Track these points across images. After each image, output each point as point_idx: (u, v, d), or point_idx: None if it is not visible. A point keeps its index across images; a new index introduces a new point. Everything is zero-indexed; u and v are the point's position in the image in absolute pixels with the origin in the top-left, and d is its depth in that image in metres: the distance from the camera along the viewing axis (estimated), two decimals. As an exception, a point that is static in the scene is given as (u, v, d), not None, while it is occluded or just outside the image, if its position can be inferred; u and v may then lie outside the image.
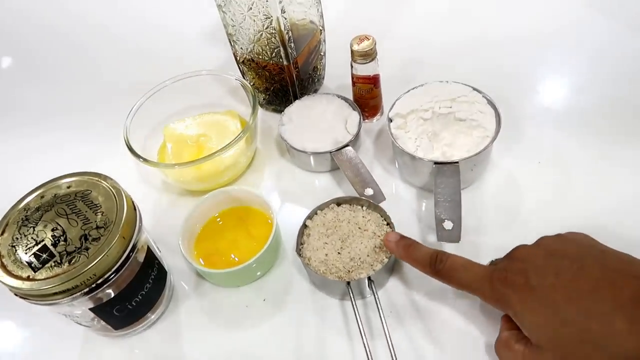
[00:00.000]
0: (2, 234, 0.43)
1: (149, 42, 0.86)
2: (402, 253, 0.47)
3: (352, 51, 0.59)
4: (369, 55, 0.58)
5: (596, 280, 0.35)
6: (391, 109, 0.58)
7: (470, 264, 0.43)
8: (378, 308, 0.46)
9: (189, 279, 0.55)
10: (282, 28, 0.56)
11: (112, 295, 0.44)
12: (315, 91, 0.70)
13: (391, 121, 0.57)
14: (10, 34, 0.95)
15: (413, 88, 0.59)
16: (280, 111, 0.68)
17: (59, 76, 0.86)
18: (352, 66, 0.60)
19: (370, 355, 0.43)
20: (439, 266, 0.44)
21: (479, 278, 0.41)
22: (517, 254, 0.41)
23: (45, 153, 0.72)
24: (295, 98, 0.65)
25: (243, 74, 0.66)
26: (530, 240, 0.43)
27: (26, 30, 0.94)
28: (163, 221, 0.61)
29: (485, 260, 0.51)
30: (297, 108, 0.63)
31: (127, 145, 0.58)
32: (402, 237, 0.48)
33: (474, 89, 0.57)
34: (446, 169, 0.52)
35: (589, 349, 0.34)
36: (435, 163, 0.52)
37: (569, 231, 0.42)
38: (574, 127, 0.61)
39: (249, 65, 0.64)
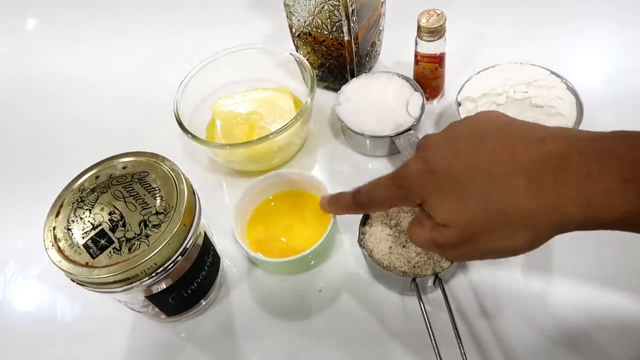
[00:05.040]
0: (57, 215, 0.41)
1: (197, 12, 0.83)
2: (333, 208, 0.46)
3: (418, 27, 0.54)
4: (437, 32, 0.54)
5: (495, 149, 0.33)
6: (460, 91, 0.54)
7: (378, 179, 0.41)
8: (448, 306, 0.43)
9: (239, 264, 0.53)
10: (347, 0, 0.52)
11: (169, 283, 0.42)
12: (371, 68, 0.66)
13: (460, 105, 0.53)
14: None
15: (484, 69, 0.55)
16: (333, 89, 0.64)
17: (104, 44, 0.82)
18: (416, 43, 0.56)
19: (438, 351, 0.41)
20: (358, 198, 0.42)
21: (388, 185, 0.39)
22: (420, 144, 0.39)
23: (87, 123, 0.70)
24: (352, 76, 0.61)
25: (297, 48, 0.62)
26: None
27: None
28: (210, 202, 0.58)
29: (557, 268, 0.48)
30: (355, 87, 0.59)
31: (177, 120, 0.55)
32: (330, 195, 0.47)
33: (552, 72, 0.53)
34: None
35: (491, 215, 0.32)
36: (510, 153, 0.48)
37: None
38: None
39: (305, 39, 0.60)
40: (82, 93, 0.75)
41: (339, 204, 0.45)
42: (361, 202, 0.42)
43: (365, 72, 0.62)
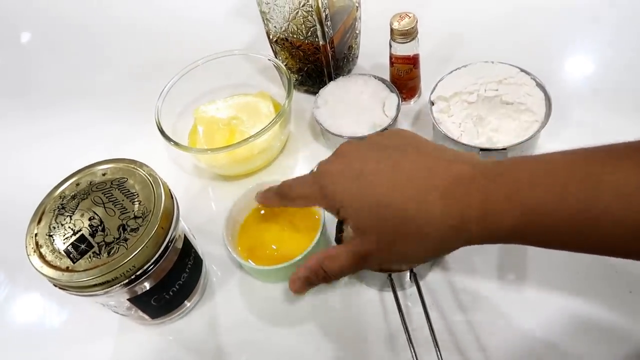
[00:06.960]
0: (39, 222, 0.42)
1: (177, 21, 0.84)
2: (262, 200, 0.48)
3: (391, 29, 0.56)
4: (409, 34, 0.55)
5: (414, 167, 0.36)
6: (433, 91, 0.55)
7: (301, 176, 0.43)
8: (422, 300, 0.45)
9: (223, 266, 0.54)
10: (320, 5, 0.53)
11: (150, 285, 0.43)
12: (349, 71, 0.68)
13: (433, 104, 0.54)
14: (32, 10, 0.94)
15: (456, 69, 0.56)
16: (313, 92, 0.66)
17: (85, 55, 0.84)
18: (390, 45, 0.58)
19: (412, 346, 0.42)
20: (283, 192, 0.44)
21: (309, 183, 0.41)
22: (341, 148, 0.40)
23: (71, 135, 0.71)
24: (330, 79, 0.62)
25: (275, 53, 0.64)
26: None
27: (49, 6, 0.93)
28: (195, 206, 0.60)
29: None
30: (332, 89, 0.61)
31: (158, 128, 0.57)
32: (265, 191, 0.48)
33: (522, 70, 0.54)
34: (493, 155, 0.49)
35: (406, 228, 0.35)
36: (481, 149, 0.50)
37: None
38: (626, 109, 0.58)
39: (282, 44, 0.61)
40: (70, 104, 0.76)
41: (266, 197, 0.47)
42: (285, 195, 0.44)
43: (343, 75, 0.63)
